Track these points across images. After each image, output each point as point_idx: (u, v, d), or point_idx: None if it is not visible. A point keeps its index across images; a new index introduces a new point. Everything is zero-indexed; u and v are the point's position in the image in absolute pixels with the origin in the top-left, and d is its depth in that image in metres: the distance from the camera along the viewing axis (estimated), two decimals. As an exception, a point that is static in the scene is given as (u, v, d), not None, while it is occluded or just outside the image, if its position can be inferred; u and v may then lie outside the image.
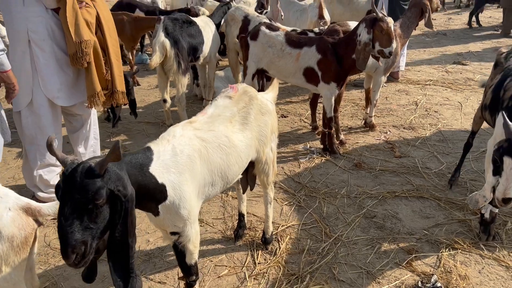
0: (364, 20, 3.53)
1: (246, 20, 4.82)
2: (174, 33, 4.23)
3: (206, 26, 4.76)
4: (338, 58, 3.71)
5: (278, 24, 4.75)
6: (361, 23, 3.55)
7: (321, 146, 4.19)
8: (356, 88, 5.92)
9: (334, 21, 6.69)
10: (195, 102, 5.63)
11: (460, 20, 10.34)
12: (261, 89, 4.64)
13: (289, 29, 4.59)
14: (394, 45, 3.45)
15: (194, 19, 4.71)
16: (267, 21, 4.59)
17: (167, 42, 4.15)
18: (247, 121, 2.34)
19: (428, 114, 4.98)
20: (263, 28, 4.12)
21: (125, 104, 4.44)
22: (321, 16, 5.13)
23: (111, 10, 7.15)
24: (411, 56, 7.36)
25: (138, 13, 6.96)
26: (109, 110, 4.90)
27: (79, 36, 3.04)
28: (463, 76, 6.25)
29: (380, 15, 3.44)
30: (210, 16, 5.07)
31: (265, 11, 6.74)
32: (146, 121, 5.02)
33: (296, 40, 3.95)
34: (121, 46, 6.81)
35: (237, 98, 2.37)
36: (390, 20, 3.44)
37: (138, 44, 7.06)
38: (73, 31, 3.02)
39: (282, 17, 6.21)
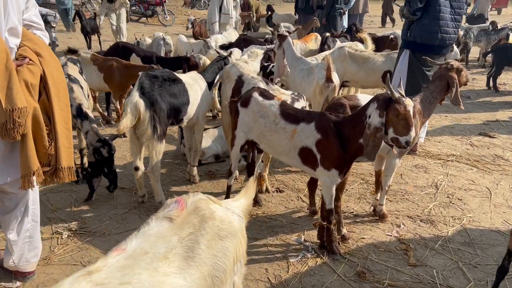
0: (375, 99, 2.82)
1: (240, 80, 4.18)
2: (151, 92, 3.59)
3: (195, 84, 4.12)
4: (342, 140, 2.99)
5: (276, 87, 4.11)
6: (372, 102, 2.85)
7: (318, 242, 3.41)
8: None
9: (346, 80, 6.05)
10: (182, 165, 4.94)
11: (485, 81, 9.65)
12: (252, 163, 3.93)
13: (287, 94, 3.94)
14: (412, 133, 2.72)
15: (181, 75, 4.09)
16: (262, 85, 3.94)
17: (141, 103, 3.51)
18: (194, 254, 1.61)
19: (451, 202, 4.18)
20: (255, 94, 3.46)
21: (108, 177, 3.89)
22: (329, 79, 4.47)
23: (107, 52, 6.68)
24: (431, 122, 6.62)
25: (134, 58, 6.45)
26: (78, 170, 4.24)
27: (11, 102, 2.39)
28: (490, 152, 5.46)
29: (397, 95, 2.73)
30: (203, 72, 4.44)
31: (271, 64, 6.17)
32: (120, 185, 4.32)
33: (292, 113, 3.26)
34: (108, 95, 6.26)
35: (181, 220, 1.65)
36: (409, 102, 2.73)
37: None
38: (3, 97, 2.38)
39: (288, 73, 5.61)
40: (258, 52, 6.95)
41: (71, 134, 2.78)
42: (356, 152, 2.99)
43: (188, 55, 6.16)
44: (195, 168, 4.44)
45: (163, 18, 18.16)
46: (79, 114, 3.91)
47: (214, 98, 6.33)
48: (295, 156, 3.25)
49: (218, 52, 5.09)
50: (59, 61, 2.79)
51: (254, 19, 15.60)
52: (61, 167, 2.67)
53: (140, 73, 3.66)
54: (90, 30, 11.41)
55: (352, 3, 10.66)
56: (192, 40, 8.03)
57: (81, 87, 4.24)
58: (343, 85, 6.16)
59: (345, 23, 10.81)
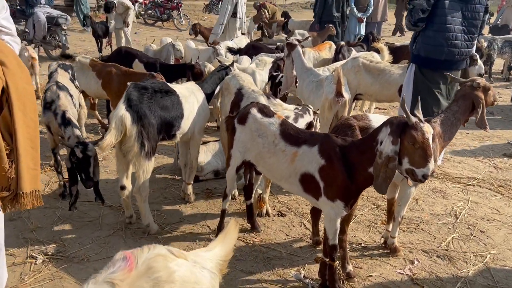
0: (389, 123, 2.42)
1: (239, 93, 3.82)
2: (139, 105, 3.25)
3: (190, 96, 3.77)
4: (349, 168, 2.59)
5: (278, 101, 3.74)
6: (384, 126, 2.45)
7: (320, 279, 3.02)
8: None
9: (360, 93, 5.65)
10: (178, 181, 4.58)
11: (510, 95, 9.11)
12: (249, 186, 3.56)
13: (290, 109, 3.57)
14: (431, 165, 2.31)
15: (176, 86, 3.74)
16: (263, 99, 3.57)
17: (128, 117, 3.17)
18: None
19: (472, 235, 3.73)
20: (254, 110, 3.09)
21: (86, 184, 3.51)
22: (338, 94, 4.07)
23: (109, 57, 6.39)
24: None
25: (137, 64, 6.15)
26: (65, 184, 3.93)
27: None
28: (517, 177, 4.98)
29: (413, 119, 2.33)
30: (202, 82, 4.09)
31: (280, 74, 5.81)
32: (107, 203, 3.98)
33: (293, 134, 2.87)
34: (107, 102, 5.96)
35: (127, 286, 1.28)
36: (427, 129, 2.32)
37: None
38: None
39: (297, 85, 5.24)
40: (267, 60, 6.61)
41: (38, 154, 2.44)
42: (365, 182, 2.59)
43: (193, 62, 5.83)
44: (190, 187, 4.08)
45: (179, 23, 17.96)
46: (63, 121, 3.61)
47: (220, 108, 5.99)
48: (295, 183, 2.86)
49: (220, 61, 4.73)
50: (27, 71, 2.46)
51: (267, 15, 15.24)
52: (23, 192, 2.33)
53: (128, 83, 3.33)
54: (101, 34, 11.20)
55: (370, 11, 10.24)
56: (200, 46, 7.70)
57: (71, 95, 3.93)
58: (356, 98, 5.75)
59: (363, 31, 10.40)
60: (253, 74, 5.97)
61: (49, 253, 3.26)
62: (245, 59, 6.94)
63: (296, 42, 5.09)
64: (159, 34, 15.48)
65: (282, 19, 15.13)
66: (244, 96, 3.73)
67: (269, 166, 2.99)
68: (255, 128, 3.06)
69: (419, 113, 2.43)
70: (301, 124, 3.68)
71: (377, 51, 6.94)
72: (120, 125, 3.16)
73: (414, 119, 2.32)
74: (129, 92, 3.26)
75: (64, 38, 11.15)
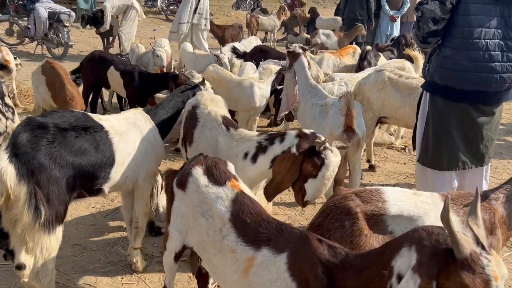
0: (415, 244, 1.20)
1: (192, 114, 2.66)
2: (31, 153, 2.14)
3: (130, 131, 2.63)
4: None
5: (240, 132, 2.56)
6: (406, 244, 1.24)
7: None
8: None
9: (384, 116, 4.39)
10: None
11: None
12: (201, 276, 2.40)
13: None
14: None
15: (106, 118, 2.61)
16: (221, 131, 2.40)
17: (9, 172, 2.07)
18: None
19: None
20: (197, 171, 1.95)
21: None
22: (349, 129, 2.86)
23: (81, 64, 5.41)
24: (501, 174, 4.80)
25: (112, 72, 5.10)
26: None
27: None
28: None
29: (466, 250, 1.10)
30: (154, 109, 2.94)
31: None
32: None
33: (251, 223, 1.69)
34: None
35: None
36: (495, 269, 1.09)
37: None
38: None
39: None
40: (272, 69, 5.42)
41: None
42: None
43: (176, 72, 4.72)
44: (137, 251, 2.96)
45: (200, 19, 16.90)
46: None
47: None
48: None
49: (187, 77, 3.58)
50: None
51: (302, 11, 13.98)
52: None
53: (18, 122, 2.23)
54: (103, 31, 10.26)
55: (405, 9, 8.84)
56: (198, 51, 6.56)
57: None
58: (380, 121, 4.49)
59: (396, 32, 9.01)
60: (251, 87, 4.81)
61: None
62: (248, 66, 5.77)
63: (300, 51, 3.88)
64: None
65: (308, 15, 13.80)
66: (199, 122, 2.56)
67: (215, 268, 1.83)
68: (197, 200, 1.92)
69: (479, 223, 1.20)
70: (262, 161, 2.46)
71: (410, 59, 5.66)
72: (-3, 183, 2.07)
73: (467, 250, 1.09)
74: (16, 134, 2.15)
75: (66, 35, 10.26)
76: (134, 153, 2.63)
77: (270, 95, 4.99)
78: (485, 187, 2.86)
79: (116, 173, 2.55)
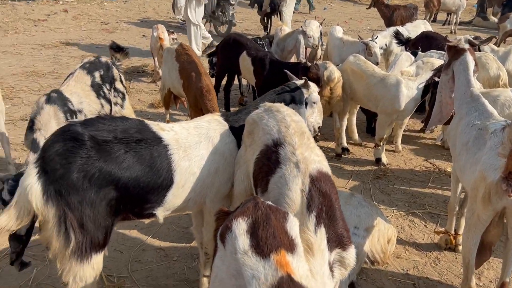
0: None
1: (271, 153, 1.90)
2: (61, 171, 1.78)
3: (199, 145, 2.11)
4: None
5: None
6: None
7: None
8: None
9: None
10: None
11: None
12: None
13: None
14: None
15: (172, 128, 2.12)
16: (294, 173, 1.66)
17: (35, 192, 1.75)
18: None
19: None
20: (238, 224, 1.44)
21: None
22: (511, 176, 1.81)
23: (217, 47, 5.13)
24: None
25: (244, 58, 4.70)
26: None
27: None
28: None
29: None
30: (236, 115, 2.34)
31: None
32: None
33: None
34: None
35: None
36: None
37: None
38: None
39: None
40: (433, 64, 4.33)
41: None
42: None
43: (308, 64, 4.04)
44: (207, 280, 2.50)
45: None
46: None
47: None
48: None
49: (290, 76, 2.86)
50: None
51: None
52: None
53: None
54: (269, 11, 9.95)
55: None
56: (346, 37, 5.63)
57: (71, 111, 2.76)
58: None
59: None
60: (397, 86, 3.84)
61: None
62: (403, 57, 4.74)
63: (466, 46, 2.82)
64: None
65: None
66: (280, 169, 1.82)
67: None
68: (233, 269, 1.35)
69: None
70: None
71: None
72: (25, 202, 1.78)
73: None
74: (47, 145, 1.82)
75: (231, 14, 10.38)
76: (201, 172, 2.11)
77: (426, 92, 3.90)
78: None
79: (174, 197, 2.08)
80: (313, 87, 2.54)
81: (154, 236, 3.23)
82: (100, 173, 1.84)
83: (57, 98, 2.71)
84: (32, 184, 1.76)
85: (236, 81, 5.60)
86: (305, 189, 1.61)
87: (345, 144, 4.44)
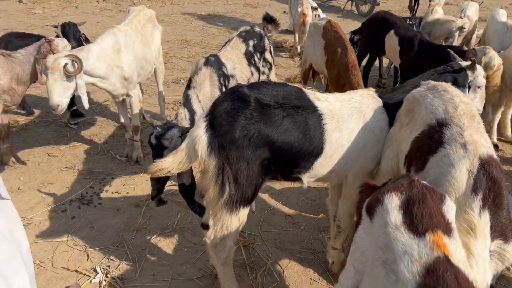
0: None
1: (435, 132, 1.81)
2: (226, 127, 1.93)
3: (351, 117, 2.10)
4: None
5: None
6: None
7: None
8: None
9: None
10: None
11: None
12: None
13: None
14: None
15: (327, 98, 2.14)
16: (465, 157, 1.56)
17: (203, 143, 1.94)
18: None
19: None
20: (391, 198, 1.41)
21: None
22: None
23: (363, 24, 4.97)
24: None
25: (391, 37, 4.53)
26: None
27: None
28: None
29: None
30: (391, 92, 2.27)
31: None
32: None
33: None
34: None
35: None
36: None
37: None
38: None
39: None
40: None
41: None
42: None
43: (465, 48, 3.73)
44: (335, 252, 2.53)
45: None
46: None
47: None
48: None
49: (453, 55, 2.64)
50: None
51: None
52: None
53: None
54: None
55: None
56: (511, 21, 4.99)
57: (225, 76, 2.97)
58: None
59: None
60: None
61: (111, 275, 2.59)
62: None
63: None
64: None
65: None
66: (443, 148, 1.72)
67: None
68: (381, 242, 1.35)
69: None
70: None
71: None
72: (192, 150, 1.98)
73: None
74: (217, 102, 1.98)
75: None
76: (349, 145, 2.12)
77: None
78: None
79: (321, 166, 2.12)
80: (479, 69, 2.34)
81: (284, 203, 3.37)
82: (259, 134, 1.96)
83: (214, 62, 2.94)
84: (200, 135, 1.95)
85: (376, 62, 5.43)
86: (473, 170, 1.53)
87: (495, 140, 4.05)
